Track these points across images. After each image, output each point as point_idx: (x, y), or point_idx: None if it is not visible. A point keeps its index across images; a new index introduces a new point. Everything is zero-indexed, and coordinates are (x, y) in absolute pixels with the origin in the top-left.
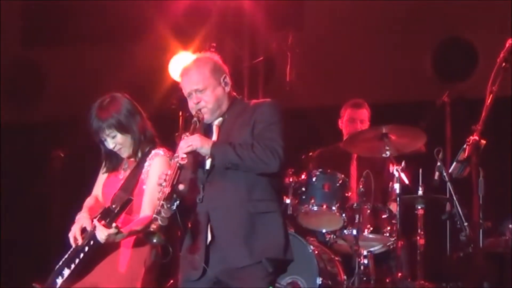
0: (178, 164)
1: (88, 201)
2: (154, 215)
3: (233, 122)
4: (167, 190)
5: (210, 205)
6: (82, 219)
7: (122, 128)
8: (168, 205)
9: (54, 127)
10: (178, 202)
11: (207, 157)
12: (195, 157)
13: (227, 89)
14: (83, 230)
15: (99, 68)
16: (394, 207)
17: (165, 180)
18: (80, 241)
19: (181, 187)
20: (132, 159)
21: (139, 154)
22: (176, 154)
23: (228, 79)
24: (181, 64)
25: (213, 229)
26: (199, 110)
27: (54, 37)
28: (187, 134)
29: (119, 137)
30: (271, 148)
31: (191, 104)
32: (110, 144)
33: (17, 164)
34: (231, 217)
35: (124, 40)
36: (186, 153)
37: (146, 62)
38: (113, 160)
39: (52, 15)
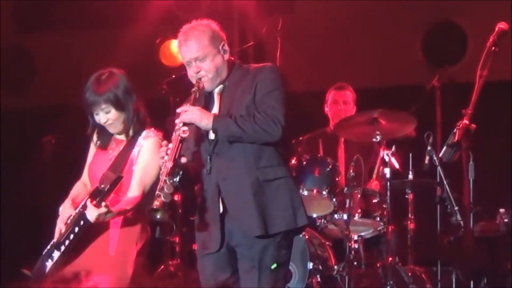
0: (179, 137)
1: (75, 189)
2: (157, 192)
3: (234, 89)
4: (170, 164)
5: (219, 176)
6: (66, 211)
7: (118, 104)
8: (171, 181)
9: (46, 112)
10: (180, 174)
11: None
12: (197, 129)
13: (226, 56)
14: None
15: (90, 53)
16: (376, 186)
17: (166, 153)
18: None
19: (183, 160)
20: (119, 138)
21: (130, 133)
22: (177, 127)
23: (226, 46)
24: (172, 49)
25: (224, 201)
26: (199, 79)
27: (45, 23)
28: (188, 104)
29: (113, 113)
30: (273, 117)
31: (191, 73)
32: (102, 118)
33: (8, 150)
34: (241, 187)
35: (115, 26)
36: (187, 125)
37: (137, 47)
38: (104, 136)
39: (44, 0)
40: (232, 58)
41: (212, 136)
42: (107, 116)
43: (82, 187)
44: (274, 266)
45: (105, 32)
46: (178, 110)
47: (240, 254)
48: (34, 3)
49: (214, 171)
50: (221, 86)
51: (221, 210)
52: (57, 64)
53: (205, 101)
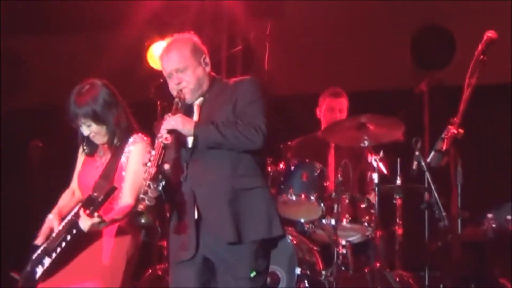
0: (162, 144)
1: (63, 198)
2: (141, 196)
3: (214, 101)
4: (153, 170)
5: (195, 182)
6: (50, 221)
7: (97, 118)
8: (155, 185)
9: (34, 115)
10: (163, 182)
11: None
12: (178, 137)
13: (207, 69)
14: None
15: (79, 56)
16: (373, 197)
17: (149, 160)
18: (40, 242)
19: (166, 166)
20: (107, 145)
21: (115, 141)
22: (159, 135)
23: (207, 59)
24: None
25: (199, 208)
26: (180, 90)
27: (35, 26)
28: (169, 114)
29: (94, 126)
30: (254, 125)
31: (172, 85)
32: (85, 131)
33: None
34: (216, 194)
35: (104, 29)
36: (169, 133)
37: (125, 51)
38: (91, 144)
39: (33, 3)
40: (213, 73)
41: (190, 144)
42: (89, 129)
43: (70, 195)
44: (253, 274)
45: (94, 35)
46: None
47: (216, 264)
48: (24, 6)
49: (190, 177)
50: (201, 98)
51: (196, 216)
52: (47, 67)
53: (185, 113)
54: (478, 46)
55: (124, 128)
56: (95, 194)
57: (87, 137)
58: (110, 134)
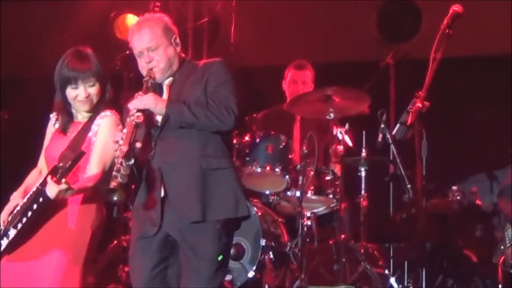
0: (134, 123)
1: (30, 177)
2: (114, 173)
3: (184, 82)
4: (125, 148)
5: (163, 160)
6: (15, 199)
7: (102, 79)
8: (127, 163)
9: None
10: (133, 161)
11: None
12: (148, 116)
13: (178, 49)
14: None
15: (44, 26)
16: (336, 168)
17: (122, 138)
18: (3, 224)
19: (138, 145)
20: (76, 121)
21: (94, 113)
22: (131, 113)
23: (178, 40)
24: (127, 23)
25: (166, 185)
26: (151, 69)
27: None
28: (141, 93)
29: (96, 87)
30: (226, 106)
31: (142, 64)
32: (81, 92)
33: None
34: (183, 172)
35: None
36: (140, 112)
37: (91, 22)
38: (64, 119)
39: None
40: (183, 55)
41: (159, 123)
42: (89, 91)
43: (36, 174)
44: (220, 257)
45: (60, 5)
46: (130, 105)
47: (179, 241)
48: None
49: (158, 155)
50: (170, 78)
51: (163, 194)
52: (11, 36)
53: (155, 93)
54: (443, 17)
55: (107, 101)
56: (61, 164)
57: (63, 111)
58: (97, 102)
